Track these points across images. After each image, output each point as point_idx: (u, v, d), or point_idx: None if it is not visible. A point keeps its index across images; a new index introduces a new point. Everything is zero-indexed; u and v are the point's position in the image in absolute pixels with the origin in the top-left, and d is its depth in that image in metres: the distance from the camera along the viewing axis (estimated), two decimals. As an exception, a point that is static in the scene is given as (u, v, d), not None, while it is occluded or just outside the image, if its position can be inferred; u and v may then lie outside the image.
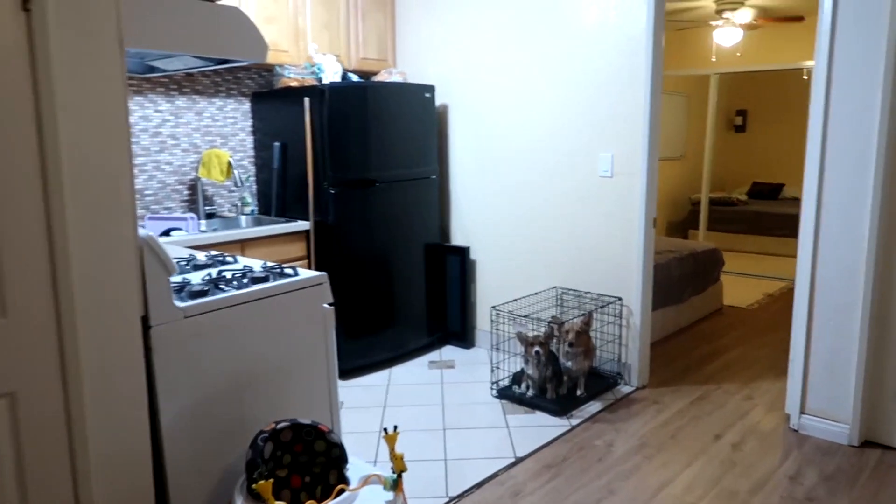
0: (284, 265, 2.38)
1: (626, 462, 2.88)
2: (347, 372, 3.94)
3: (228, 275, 2.23)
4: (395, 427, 1.89)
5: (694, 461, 2.88)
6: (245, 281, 2.16)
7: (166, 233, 3.40)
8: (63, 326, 1.56)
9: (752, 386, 3.72)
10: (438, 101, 4.36)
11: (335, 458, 2.01)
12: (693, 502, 2.57)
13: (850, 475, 2.73)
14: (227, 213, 3.98)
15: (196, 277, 2.21)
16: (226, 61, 2.30)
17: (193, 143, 3.78)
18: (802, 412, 3.12)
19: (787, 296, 5.74)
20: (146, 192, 3.61)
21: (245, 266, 2.39)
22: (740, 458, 2.91)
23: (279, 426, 1.98)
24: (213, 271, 2.31)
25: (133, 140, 3.52)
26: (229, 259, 2.56)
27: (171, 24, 1.97)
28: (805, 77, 7.31)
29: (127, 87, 1.66)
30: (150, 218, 3.44)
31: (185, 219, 3.47)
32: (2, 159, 1.44)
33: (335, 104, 3.60)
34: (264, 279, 2.22)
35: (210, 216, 3.85)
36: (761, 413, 3.36)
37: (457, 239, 4.43)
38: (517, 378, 3.66)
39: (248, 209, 3.98)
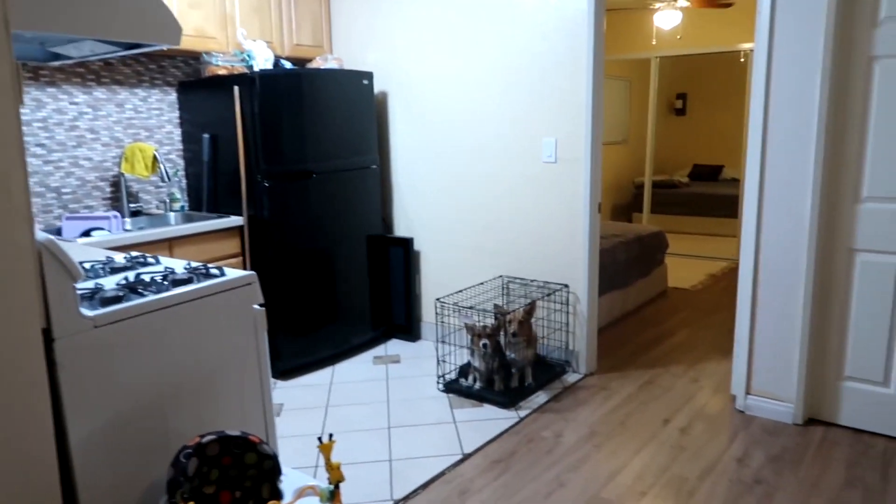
0: (211, 265, 2.23)
1: (576, 452, 2.84)
2: (288, 372, 3.80)
3: (147, 278, 2.07)
4: (331, 436, 1.78)
5: (643, 448, 2.86)
6: (165, 284, 2.01)
7: (86, 233, 3.18)
8: (-55, 345, 1.39)
9: (697, 368, 3.73)
10: (377, 89, 4.22)
11: (268, 470, 1.88)
12: (643, 491, 2.53)
13: (795, 454, 2.75)
14: (154, 211, 3.77)
15: (110, 282, 2.04)
16: (137, 46, 2.12)
17: (115, 136, 3.55)
18: (748, 393, 3.13)
19: (728, 275, 5.83)
20: (64, 191, 3.38)
21: (167, 267, 2.23)
22: (689, 442, 2.89)
23: (204, 440, 1.85)
24: (131, 274, 2.14)
25: (46, 135, 3.28)
26: (150, 260, 2.39)
27: (68, 4, 1.79)
28: (742, 60, 7.42)
29: (16, 75, 1.49)
30: (69, 218, 3.21)
31: (107, 218, 3.26)
32: None
33: (267, 92, 3.43)
34: (187, 281, 2.07)
35: (136, 214, 3.64)
36: (708, 395, 3.37)
37: (400, 230, 4.32)
38: (464, 371, 3.58)
39: (177, 205, 3.77)
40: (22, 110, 3.10)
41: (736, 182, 7.50)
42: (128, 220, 3.54)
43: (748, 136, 2.99)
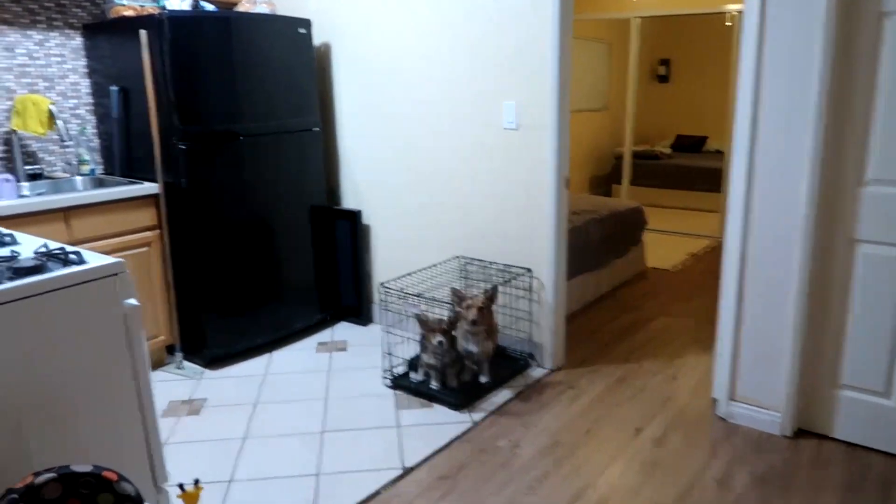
0: (72, 249, 1.77)
1: (533, 469, 2.44)
2: (219, 360, 3.36)
3: (-23, 266, 1.60)
4: (196, 482, 1.35)
5: (611, 464, 2.47)
6: (-3, 275, 1.55)
7: (-37, 200, 2.68)
8: None
9: (676, 363, 3.35)
10: (319, 40, 3.70)
11: (124, 519, 1.45)
12: (608, 520, 2.15)
13: (784, 476, 2.37)
14: (60, 174, 3.26)
15: (-77, 272, 1.58)
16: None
17: (4, 86, 3.02)
18: (731, 399, 2.75)
19: (710, 255, 5.45)
20: (-59, 149, 2.86)
21: (13, 251, 1.76)
22: (663, 456, 2.51)
23: (39, 480, 1.42)
24: (-40, 261, 1.67)
25: (-84, 82, 2.75)
26: (6, 239, 1.92)
27: None
28: (728, 24, 6.95)
29: None
30: (-57, 182, 2.71)
31: (-9, 182, 2.76)
32: None
33: (180, 39, 2.91)
34: (35, 270, 1.61)
35: (35, 177, 3.13)
36: (686, 397, 2.99)
37: (347, 201, 3.85)
38: (413, 364, 3.17)
39: (85, 168, 3.26)
40: None
41: (720, 154, 7.09)
42: (25, 184, 3.04)
43: (737, 106, 2.54)
